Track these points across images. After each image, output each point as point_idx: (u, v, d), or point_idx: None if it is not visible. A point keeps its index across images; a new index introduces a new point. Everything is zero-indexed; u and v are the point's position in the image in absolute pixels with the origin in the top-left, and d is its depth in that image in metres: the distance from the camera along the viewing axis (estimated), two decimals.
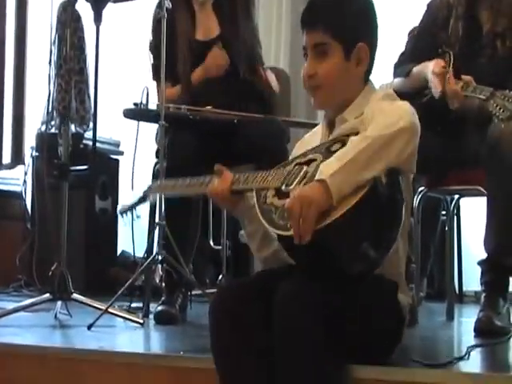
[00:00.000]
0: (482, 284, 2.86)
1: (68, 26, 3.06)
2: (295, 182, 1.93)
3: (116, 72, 5.02)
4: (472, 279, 3.96)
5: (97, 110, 3.08)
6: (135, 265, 3.32)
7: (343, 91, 2.06)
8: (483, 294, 2.82)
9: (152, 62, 3.41)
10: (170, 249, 3.09)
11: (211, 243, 4.27)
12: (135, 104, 3.24)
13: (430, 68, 2.99)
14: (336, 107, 2.06)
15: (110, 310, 2.93)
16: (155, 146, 3.44)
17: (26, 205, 4.80)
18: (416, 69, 3.07)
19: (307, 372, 1.78)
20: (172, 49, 3.38)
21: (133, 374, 2.24)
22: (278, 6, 5.27)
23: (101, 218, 4.77)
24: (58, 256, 3.05)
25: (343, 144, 1.92)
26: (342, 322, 1.83)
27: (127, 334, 2.89)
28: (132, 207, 2.53)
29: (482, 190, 2.94)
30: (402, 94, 2.21)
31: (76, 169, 3.06)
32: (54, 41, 3.11)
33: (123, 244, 4.73)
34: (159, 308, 3.10)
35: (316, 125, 2.24)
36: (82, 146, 3.97)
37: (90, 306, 3.01)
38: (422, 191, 3.22)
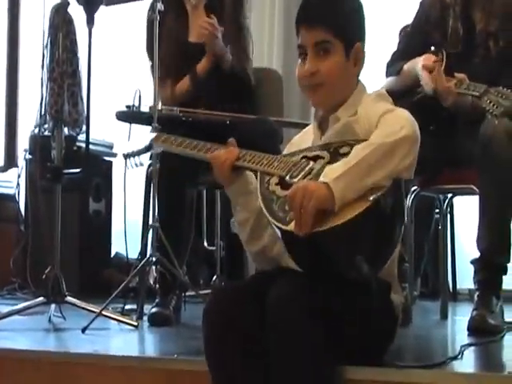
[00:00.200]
0: (475, 283, 2.87)
1: (60, 29, 3.06)
2: (300, 176, 1.94)
3: (109, 74, 5.02)
4: (466, 277, 3.97)
5: (89, 113, 3.08)
6: (129, 266, 3.32)
7: (342, 90, 2.06)
8: (476, 293, 2.83)
9: (150, 63, 3.42)
10: (164, 250, 3.09)
11: (205, 244, 4.28)
12: (127, 106, 3.24)
13: (419, 63, 3.00)
14: (332, 106, 2.06)
15: (104, 312, 2.93)
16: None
17: (19, 207, 4.80)
18: (406, 66, 3.09)
19: (305, 375, 1.78)
20: (167, 48, 3.39)
21: (128, 377, 2.24)
22: (270, 7, 5.26)
23: (94, 220, 4.77)
24: (52, 259, 3.06)
25: (352, 148, 1.92)
26: (339, 323, 1.84)
27: (121, 337, 2.89)
28: (137, 154, 2.49)
29: (474, 188, 2.95)
30: (394, 93, 2.22)
31: (69, 172, 3.06)
32: (47, 44, 3.11)
33: (117, 246, 4.73)
34: (153, 310, 3.10)
35: (308, 125, 2.24)
36: (75, 148, 3.96)
37: (83, 308, 3.01)
38: (414, 191, 3.23)
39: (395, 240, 1.93)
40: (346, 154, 1.91)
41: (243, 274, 4.04)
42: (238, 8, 3.51)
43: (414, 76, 3.06)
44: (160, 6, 3.17)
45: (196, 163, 2.97)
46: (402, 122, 1.89)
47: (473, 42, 3.10)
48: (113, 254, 4.83)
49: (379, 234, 1.87)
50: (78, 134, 3.21)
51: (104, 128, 4.50)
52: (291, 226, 1.83)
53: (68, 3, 3.10)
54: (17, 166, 4.91)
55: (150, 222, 3.17)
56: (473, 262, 2.87)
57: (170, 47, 3.45)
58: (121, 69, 5.18)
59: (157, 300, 3.18)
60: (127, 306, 3.26)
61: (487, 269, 2.82)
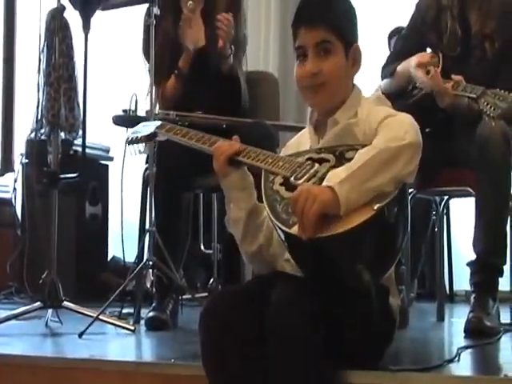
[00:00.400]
0: (471, 285, 2.88)
1: (57, 33, 3.06)
2: (304, 178, 1.93)
3: (105, 79, 5.02)
4: (462, 279, 3.97)
5: (86, 118, 3.08)
6: (126, 270, 3.32)
7: (342, 91, 2.05)
8: (473, 295, 2.84)
9: (147, 67, 3.42)
10: (161, 254, 3.09)
11: (202, 247, 4.28)
12: (124, 111, 3.24)
13: (412, 62, 3.01)
14: (331, 108, 2.05)
15: (101, 317, 2.93)
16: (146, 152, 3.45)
17: (15, 211, 4.79)
18: (400, 67, 3.10)
19: (306, 380, 1.77)
20: (163, 52, 3.40)
21: (125, 382, 2.24)
22: (266, 10, 5.28)
23: (91, 224, 4.77)
24: (49, 263, 3.05)
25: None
26: (339, 327, 1.83)
27: (118, 341, 2.89)
28: (140, 141, 2.48)
29: (471, 190, 2.96)
30: (389, 95, 2.23)
31: (66, 176, 3.06)
32: (43, 49, 3.11)
33: (114, 249, 4.73)
34: (150, 314, 3.10)
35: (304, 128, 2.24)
36: (71, 152, 3.97)
37: (80, 313, 3.01)
38: (411, 193, 3.23)
39: (398, 249, 1.93)
40: (349, 159, 1.90)
41: (240, 278, 4.04)
42: (234, 14, 3.51)
43: (407, 77, 3.07)
44: (156, 11, 3.18)
45: (193, 167, 3.01)
46: (405, 128, 1.88)
47: (469, 44, 3.10)
48: (109, 257, 4.83)
49: (382, 242, 1.86)
50: (74, 139, 3.21)
51: (100, 132, 4.50)
52: (294, 229, 1.82)
53: (64, 8, 3.10)
54: (13, 171, 4.90)
55: (147, 225, 3.17)
56: (469, 264, 2.88)
57: (166, 50, 3.45)
58: (117, 73, 5.19)
59: (154, 304, 3.18)
60: (124, 310, 3.26)
61: (483, 271, 2.82)
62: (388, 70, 3.17)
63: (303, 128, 2.22)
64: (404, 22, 4.42)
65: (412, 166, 1.87)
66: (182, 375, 2.16)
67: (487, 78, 2.92)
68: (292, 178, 1.94)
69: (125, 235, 3.22)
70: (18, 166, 4.79)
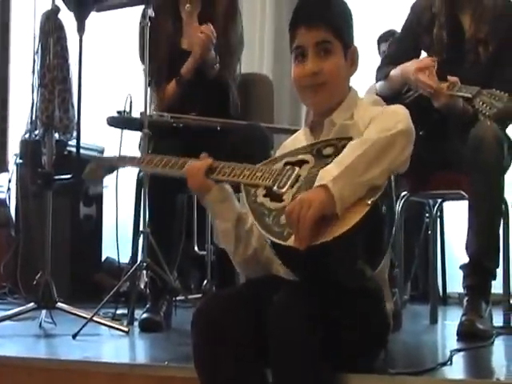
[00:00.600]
0: (464, 288, 2.88)
1: (51, 35, 3.06)
2: (288, 184, 1.91)
3: (100, 80, 5.02)
4: (456, 281, 3.98)
5: (80, 119, 3.09)
6: (120, 271, 3.32)
7: (340, 91, 2.05)
8: (466, 298, 2.85)
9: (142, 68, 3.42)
10: (155, 256, 3.10)
11: (196, 249, 4.28)
12: (119, 112, 3.24)
13: (412, 68, 3.00)
14: (328, 109, 2.04)
15: (94, 318, 2.93)
16: (139, 153, 3.45)
17: (10, 212, 4.79)
18: (394, 71, 3.10)
19: (304, 382, 1.77)
20: (160, 54, 3.41)
21: None
22: (261, 13, 5.28)
23: (85, 225, 4.76)
24: (43, 264, 3.05)
25: (336, 148, 1.91)
26: (337, 331, 1.82)
27: (112, 343, 2.89)
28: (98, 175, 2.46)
29: (464, 193, 2.97)
30: (383, 98, 2.23)
31: (60, 178, 3.06)
32: (37, 50, 3.11)
33: (108, 250, 4.72)
34: (144, 315, 3.11)
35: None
36: (65, 152, 3.97)
37: (74, 314, 3.01)
38: (404, 196, 3.24)
39: (389, 235, 1.90)
40: (330, 156, 1.89)
41: (234, 279, 4.04)
42: (230, 21, 3.51)
43: (400, 82, 3.08)
44: (151, 13, 3.18)
45: None
46: (397, 117, 1.88)
47: (462, 48, 3.11)
48: (103, 257, 4.82)
49: (375, 234, 1.85)
50: (68, 140, 3.21)
51: (95, 132, 4.49)
52: (291, 241, 1.78)
53: (59, 9, 3.10)
54: (7, 171, 4.90)
55: (141, 227, 3.17)
56: (462, 267, 2.89)
57: (166, 52, 3.45)
58: (112, 74, 5.18)
59: (147, 305, 3.18)
60: (118, 311, 3.26)
61: (476, 274, 2.83)
62: (382, 73, 3.18)
63: (297, 130, 2.22)
64: (392, 26, 4.45)
65: (405, 153, 1.86)
66: (175, 377, 2.16)
67: (481, 82, 2.92)
68: (275, 187, 1.92)
69: (119, 236, 3.23)
70: (12, 167, 4.79)
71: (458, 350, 2.34)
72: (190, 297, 3.55)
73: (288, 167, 1.96)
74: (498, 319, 3.01)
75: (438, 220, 4.15)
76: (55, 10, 3.10)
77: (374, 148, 1.81)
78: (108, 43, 5.19)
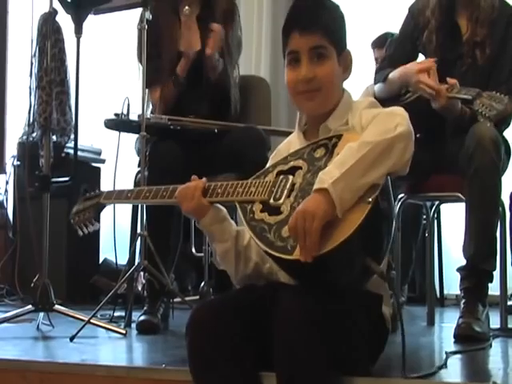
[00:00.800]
0: (461, 290, 2.89)
1: (49, 37, 3.06)
2: (284, 195, 1.90)
3: (97, 82, 5.02)
4: (453, 283, 3.99)
5: (78, 121, 3.09)
6: (117, 273, 3.32)
7: (335, 96, 2.04)
8: (462, 301, 2.85)
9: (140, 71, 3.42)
10: (152, 258, 3.10)
11: (193, 250, 4.28)
12: (116, 114, 3.24)
13: (412, 70, 3.00)
14: (322, 114, 2.03)
15: (92, 320, 2.93)
16: (136, 154, 3.46)
17: (7, 214, 4.79)
18: (392, 74, 3.10)
19: None
20: (159, 55, 3.41)
21: None
22: (258, 16, 5.28)
23: None
24: (40, 266, 3.05)
25: (326, 148, 1.91)
26: (337, 336, 1.82)
27: (110, 345, 2.89)
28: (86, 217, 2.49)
29: (460, 196, 2.97)
30: (380, 100, 2.23)
31: (57, 180, 3.06)
32: (35, 52, 3.11)
33: (105, 252, 4.72)
34: (141, 318, 3.11)
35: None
36: (63, 154, 3.97)
37: (72, 316, 3.01)
38: (402, 198, 3.25)
39: (390, 228, 1.89)
40: (322, 158, 1.89)
41: (231, 281, 4.04)
42: (229, 23, 3.51)
43: (398, 84, 3.08)
44: (148, 16, 3.18)
45: (185, 170, 3.00)
46: (396, 120, 1.87)
47: (459, 51, 3.12)
48: (101, 260, 4.82)
49: (377, 228, 1.84)
50: (66, 143, 3.21)
51: (92, 134, 4.50)
52: (296, 254, 1.76)
53: (56, 12, 3.10)
54: (5, 173, 4.90)
55: (139, 229, 3.17)
56: (459, 269, 2.89)
57: (168, 53, 3.46)
58: (110, 77, 5.19)
59: (145, 308, 3.19)
60: (116, 313, 3.27)
61: (473, 276, 2.84)
62: (381, 76, 3.18)
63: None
64: (386, 30, 4.45)
65: (406, 155, 1.86)
66: (173, 380, 2.16)
67: (478, 85, 2.93)
68: (271, 200, 1.90)
69: (116, 239, 3.23)
70: (9, 169, 4.79)
71: (454, 353, 2.34)
72: (188, 299, 3.55)
73: (281, 177, 1.95)
74: (495, 321, 3.01)
75: (435, 222, 4.17)
76: (53, 13, 3.10)
77: (375, 151, 1.81)
78: (106, 46, 5.19)
